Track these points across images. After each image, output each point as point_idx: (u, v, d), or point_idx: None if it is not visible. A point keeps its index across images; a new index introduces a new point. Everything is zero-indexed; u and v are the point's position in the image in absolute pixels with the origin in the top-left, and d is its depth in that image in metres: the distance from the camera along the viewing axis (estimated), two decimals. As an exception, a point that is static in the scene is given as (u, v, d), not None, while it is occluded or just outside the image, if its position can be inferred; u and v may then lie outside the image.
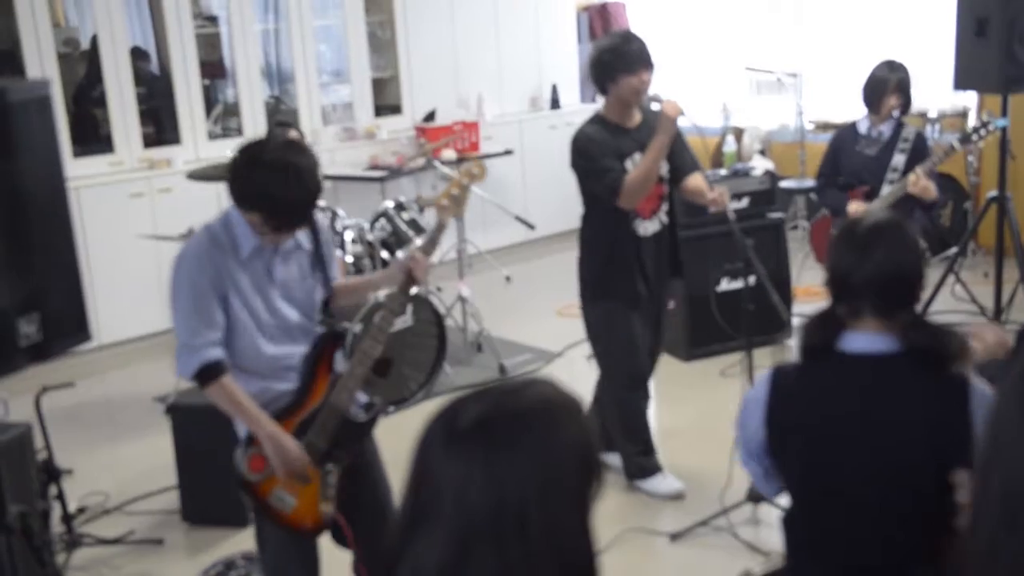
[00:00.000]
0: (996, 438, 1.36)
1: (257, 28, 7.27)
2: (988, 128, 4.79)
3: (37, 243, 2.67)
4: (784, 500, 2.34)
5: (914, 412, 2.11)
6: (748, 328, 3.95)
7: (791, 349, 4.89)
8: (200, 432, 4.09)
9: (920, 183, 4.62)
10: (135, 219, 6.30)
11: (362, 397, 2.93)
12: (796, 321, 4.70)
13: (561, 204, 7.71)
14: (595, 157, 3.89)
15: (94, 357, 6.08)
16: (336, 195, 6.99)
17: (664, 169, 4.00)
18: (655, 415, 4.59)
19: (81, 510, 4.26)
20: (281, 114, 7.59)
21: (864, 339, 2.16)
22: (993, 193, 5.44)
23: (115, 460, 4.87)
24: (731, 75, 8.57)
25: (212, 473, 4.08)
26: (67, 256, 2.83)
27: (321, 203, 3.55)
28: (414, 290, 3.08)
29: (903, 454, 2.10)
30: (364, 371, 2.85)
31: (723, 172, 5.95)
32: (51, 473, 3.81)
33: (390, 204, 5.72)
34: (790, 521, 2.31)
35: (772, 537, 3.57)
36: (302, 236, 2.88)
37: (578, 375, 5.53)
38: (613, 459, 4.26)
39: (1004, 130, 5.09)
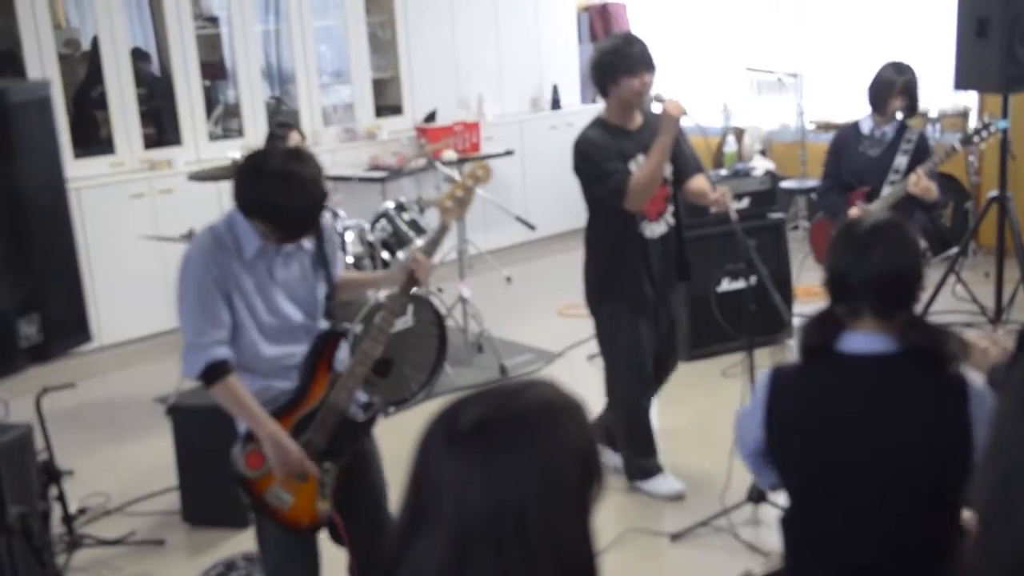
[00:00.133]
0: (996, 430, 1.37)
1: (258, 29, 7.27)
2: (989, 130, 4.79)
3: (37, 244, 2.67)
4: (783, 500, 2.34)
5: (913, 412, 2.11)
6: (749, 328, 3.95)
7: (792, 349, 4.88)
8: (201, 433, 4.09)
9: (921, 183, 4.62)
10: (136, 220, 6.31)
11: (361, 397, 2.94)
12: (797, 321, 4.69)
13: (562, 204, 7.73)
14: (598, 160, 3.88)
15: (95, 358, 6.08)
16: (337, 196, 6.99)
17: (668, 171, 3.99)
18: (656, 415, 4.58)
19: (82, 511, 4.26)
20: (282, 115, 7.59)
21: (863, 339, 2.16)
22: (994, 193, 5.43)
23: (116, 461, 4.87)
24: (732, 75, 8.57)
25: (213, 474, 4.07)
26: (67, 257, 2.83)
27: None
28: (415, 291, 3.09)
29: (902, 454, 2.10)
30: (364, 371, 2.86)
31: (724, 172, 5.95)
32: (52, 474, 3.82)
33: (391, 205, 5.72)
34: (789, 521, 2.31)
35: (772, 537, 3.56)
36: (290, 242, 2.88)
37: (579, 375, 5.54)
38: (615, 459, 4.26)
39: (1005, 131, 5.09)
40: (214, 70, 7.61)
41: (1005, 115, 5.13)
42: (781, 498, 2.35)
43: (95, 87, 6.76)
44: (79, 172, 6.22)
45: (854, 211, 4.82)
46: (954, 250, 5.96)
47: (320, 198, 2.72)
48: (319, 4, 7.68)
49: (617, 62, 3.85)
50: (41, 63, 6.13)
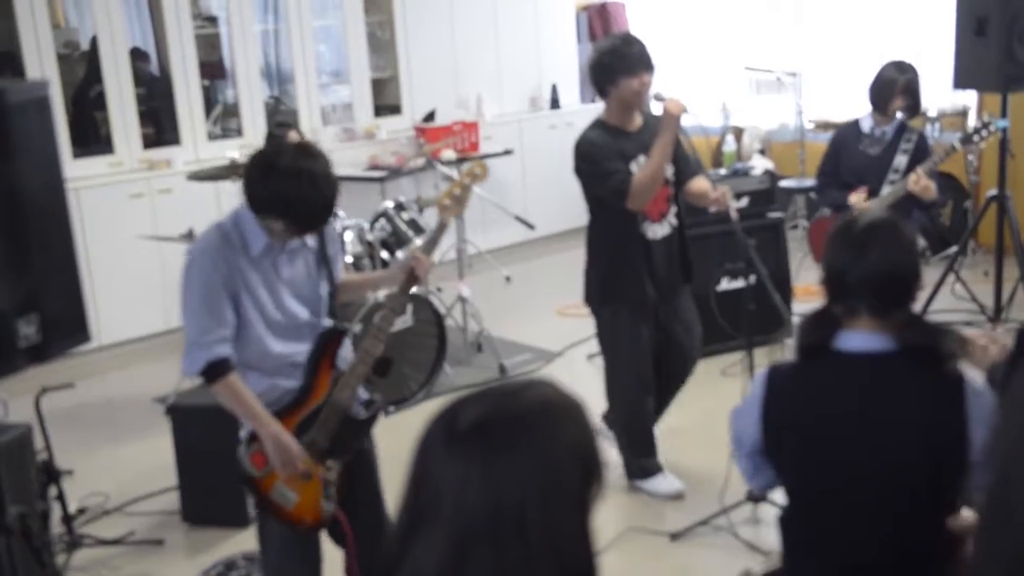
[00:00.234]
0: (997, 430, 1.37)
1: (257, 28, 7.27)
2: (989, 129, 4.80)
3: (36, 244, 2.67)
4: (781, 499, 2.34)
5: (910, 411, 2.11)
6: (748, 327, 3.95)
7: (791, 348, 4.89)
8: (200, 433, 4.09)
9: (921, 182, 4.62)
10: (135, 220, 6.30)
11: (362, 394, 2.96)
12: (796, 320, 4.69)
13: (561, 204, 7.73)
14: (599, 160, 3.87)
15: (94, 358, 6.08)
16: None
17: (669, 171, 3.98)
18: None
19: (81, 511, 4.26)
20: (281, 114, 7.59)
21: (860, 338, 2.15)
22: (993, 192, 5.44)
23: (115, 461, 4.87)
24: (731, 74, 8.57)
25: (212, 474, 4.09)
26: (66, 257, 2.82)
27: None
28: (414, 290, 3.09)
29: (899, 453, 2.10)
30: (366, 369, 2.88)
31: (723, 171, 5.95)
32: (51, 474, 3.82)
33: (390, 204, 5.72)
34: (786, 520, 2.31)
35: (772, 536, 3.56)
36: (307, 235, 2.90)
37: (578, 375, 5.53)
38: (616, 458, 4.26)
39: (1004, 130, 5.09)
40: (213, 70, 7.61)
41: (1004, 114, 5.13)
42: (780, 497, 2.34)
43: (94, 87, 6.76)
44: (78, 172, 6.21)
45: (854, 198, 4.82)
46: (953, 249, 5.96)
47: (332, 192, 2.75)
48: (318, 4, 7.68)
49: (616, 62, 3.85)
50: (40, 63, 6.13)
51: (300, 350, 2.88)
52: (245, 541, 3.95)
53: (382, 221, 5.63)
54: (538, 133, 8.32)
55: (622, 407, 4.19)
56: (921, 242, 6.95)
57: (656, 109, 3.96)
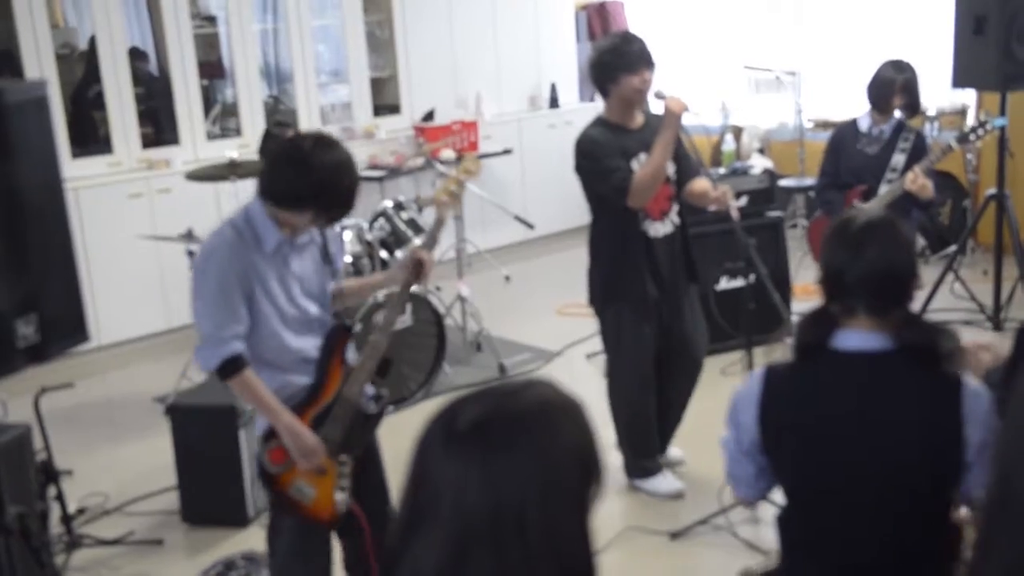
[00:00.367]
0: (998, 430, 1.38)
1: (256, 28, 7.27)
2: (986, 127, 4.79)
3: (34, 244, 2.67)
4: (779, 498, 2.33)
5: (908, 411, 2.10)
6: (748, 327, 3.95)
7: (790, 347, 4.90)
8: (200, 432, 4.09)
9: (918, 181, 4.61)
10: (134, 220, 6.30)
11: (370, 389, 2.98)
12: (795, 319, 4.69)
13: (560, 203, 7.73)
14: (600, 158, 3.87)
15: (93, 358, 6.08)
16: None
17: (671, 170, 3.98)
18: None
19: (80, 511, 4.26)
20: (280, 114, 7.59)
21: (858, 337, 2.15)
22: (992, 191, 5.44)
23: (114, 461, 4.87)
24: (730, 73, 8.57)
25: (212, 473, 4.09)
26: (65, 257, 2.83)
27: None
28: (413, 289, 3.11)
29: (898, 453, 2.09)
30: (374, 364, 2.90)
31: (722, 171, 5.95)
32: (50, 474, 3.81)
33: (389, 204, 5.72)
34: (785, 520, 2.30)
35: (771, 535, 3.55)
36: (313, 230, 2.91)
37: (578, 375, 5.53)
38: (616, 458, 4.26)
39: (1003, 128, 5.09)
40: (212, 69, 7.61)
41: (1003, 113, 5.14)
42: (779, 497, 2.34)
43: (93, 87, 6.75)
44: (77, 172, 6.21)
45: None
46: (952, 248, 5.96)
47: (358, 178, 2.82)
48: (317, 3, 7.67)
49: (616, 60, 3.85)
50: (39, 63, 6.12)
51: (312, 345, 2.91)
52: (245, 541, 3.95)
53: (381, 221, 5.62)
54: (537, 132, 8.32)
55: (624, 406, 4.18)
56: (920, 241, 6.96)
57: (657, 107, 3.96)
